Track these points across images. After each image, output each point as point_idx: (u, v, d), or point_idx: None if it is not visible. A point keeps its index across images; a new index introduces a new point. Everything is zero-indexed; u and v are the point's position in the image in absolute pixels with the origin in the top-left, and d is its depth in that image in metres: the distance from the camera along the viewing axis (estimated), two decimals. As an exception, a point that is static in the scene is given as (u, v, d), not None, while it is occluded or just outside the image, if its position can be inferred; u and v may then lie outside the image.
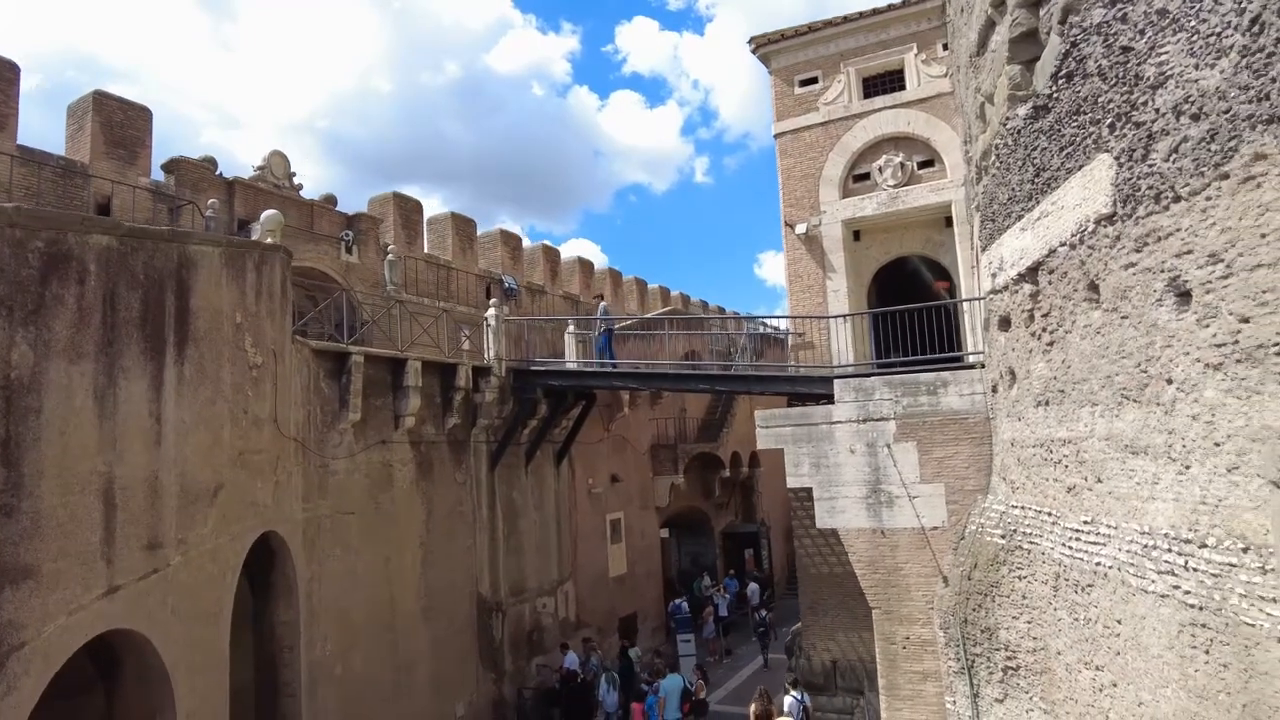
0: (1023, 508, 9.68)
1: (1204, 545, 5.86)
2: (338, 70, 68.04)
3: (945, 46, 14.56)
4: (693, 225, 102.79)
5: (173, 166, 13.69)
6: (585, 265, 25.09)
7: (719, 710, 16.38)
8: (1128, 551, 7.03)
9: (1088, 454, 7.78)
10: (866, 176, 15.67)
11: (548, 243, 23.28)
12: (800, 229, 15.69)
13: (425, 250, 19.13)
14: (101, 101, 12.54)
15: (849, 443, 12.18)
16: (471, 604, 14.73)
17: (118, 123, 12.77)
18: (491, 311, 15.61)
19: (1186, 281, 5.95)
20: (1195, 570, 5.96)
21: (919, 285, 16.15)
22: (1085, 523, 7.85)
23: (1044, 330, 8.72)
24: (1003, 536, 10.25)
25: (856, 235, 16.20)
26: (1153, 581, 6.65)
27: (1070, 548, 8.32)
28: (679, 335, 21.46)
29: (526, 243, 22.95)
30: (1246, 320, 5.37)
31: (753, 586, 23.32)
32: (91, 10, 64.73)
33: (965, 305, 13.53)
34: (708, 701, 14.41)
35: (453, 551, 14.37)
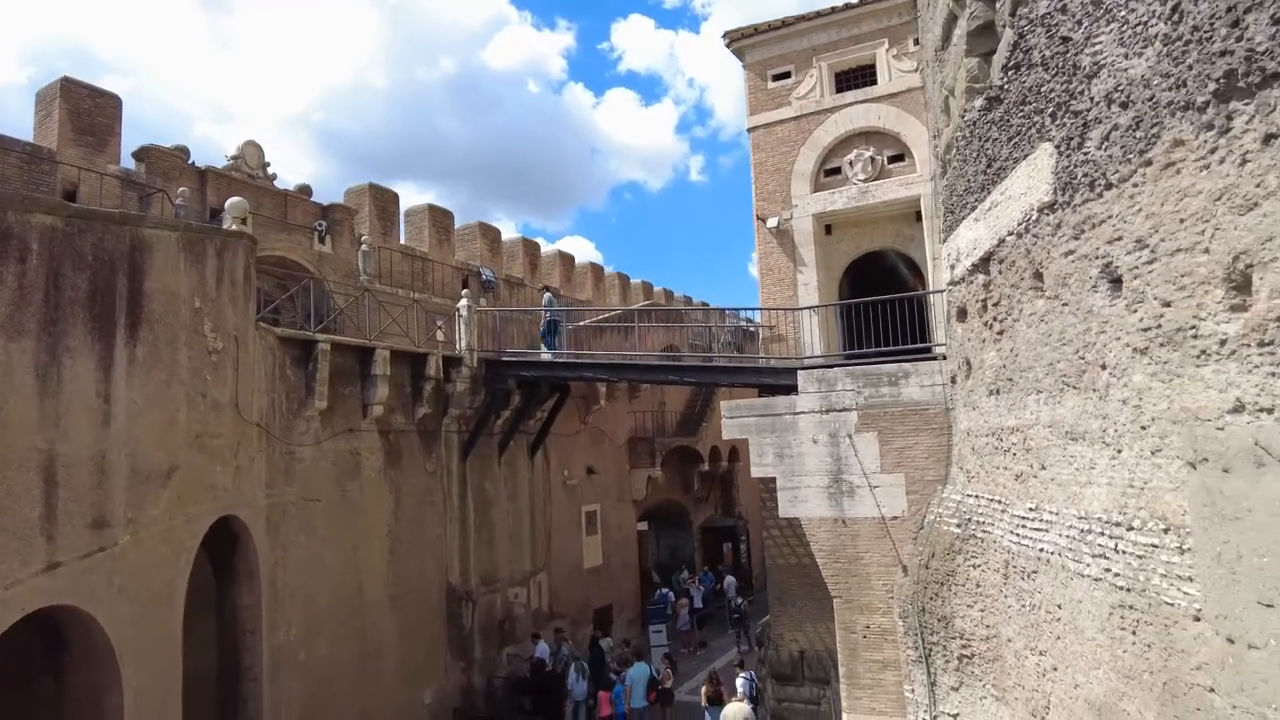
0: (976, 496, 9.79)
1: (1131, 528, 5.96)
2: (333, 65, 67.82)
3: (915, 41, 14.66)
4: (687, 223, 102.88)
5: (144, 154, 13.67)
6: (566, 259, 25.12)
7: (686, 700, 16.47)
8: (1067, 537, 7.13)
9: (1033, 441, 7.88)
10: (837, 171, 15.76)
11: (527, 236, 23.30)
12: (771, 223, 15.78)
13: (401, 241, 19.14)
14: (69, 88, 12.51)
15: (812, 433, 12.28)
16: (441, 593, 14.78)
17: (86, 110, 12.74)
18: (463, 302, 15.64)
19: (1117, 268, 6.05)
20: (1124, 553, 6.06)
21: (896, 281, 16.27)
22: (1031, 510, 7.95)
23: (995, 320, 8.81)
24: (958, 525, 10.36)
25: (828, 229, 16.29)
26: (1088, 565, 6.75)
27: (1017, 535, 8.43)
28: (658, 329, 21.53)
29: (507, 235, 22.99)
30: (1168, 304, 5.46)
31: (729, 579, 23.44)
32: (86, 3, 64.38)
33: (933, 298, 13.64)
34: (673, 691, 14.49)
35: (422, 540, 14.41)
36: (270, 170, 16.07)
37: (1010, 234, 8.03)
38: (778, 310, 14.68)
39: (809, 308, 14.07)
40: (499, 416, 16.69)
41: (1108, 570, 6.38)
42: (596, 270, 26.54)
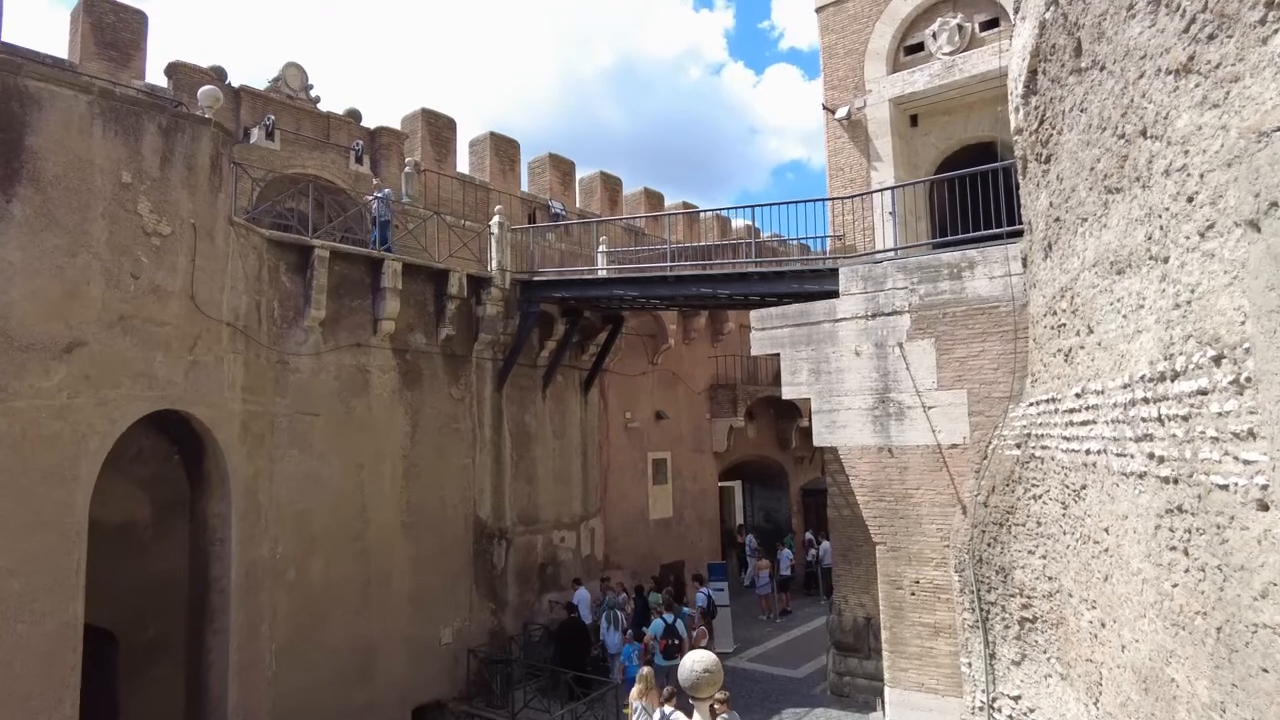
0: (1036, 403, 7.29)
1: (1176, 375, 3.66)
2: (501, 57, 69.22)
3: None
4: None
5: (173, 71, 13.63)
6: (653, 196, 23.49)
7: (746, 668, 14.61)
8: (1111, 421, 4.78)
9: (1080, 296, 5.46)
10: (919, 48, 13.10)
11: (607, 170, 21.91)
12: (841, 113, 13.40)
13: (463, 171, 18.39)
14: (92, 2, 12.58)
15: (854, 343, 10.04)
16: (468, 527, 13.86)
17: (109, 24, 12.78)
18: (496, 219, 14.54)
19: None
20: (1169, 420, 3.78)
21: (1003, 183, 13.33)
22: (1078, 397, 5.53)
23: (1042, 145, 6.35)
24: (1017, 446, 7.84)
25: (914, 121, 13.65)
26: (1131, 457, 4.43)
27: (1067, 438, 5.99)
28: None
29: (584, 172, 21.74)
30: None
31: (825, 545, 21.03)
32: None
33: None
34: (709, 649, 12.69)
35: (444, 469, 13.52)
36: (314, 93, 15.74)
37: (1050, 5, 5.61)
38: (844, 202, 12.31)
39: (876, 190, 11.66)
40: (543, 346, 15.52)
41: (1151, 457, 4.06)
42: (690, 213, 24.69)
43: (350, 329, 12.40)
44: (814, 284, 10.92)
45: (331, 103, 15.77)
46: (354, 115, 16.51)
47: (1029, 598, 7.67)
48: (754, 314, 10.95)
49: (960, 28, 12.47)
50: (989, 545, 8.36)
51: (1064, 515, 6.48)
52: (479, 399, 14.34)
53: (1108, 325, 4.90)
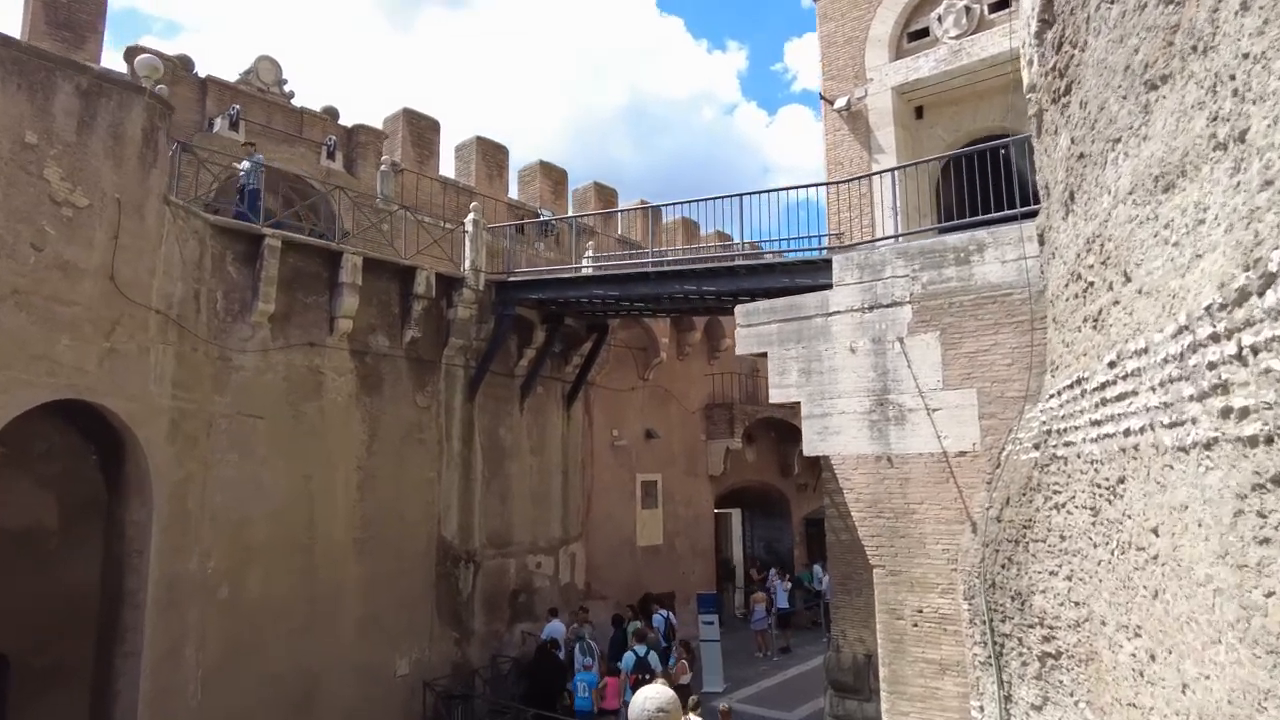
0: (1058, 393, 6.16)
1: (1264, 288, 2.57)
2: (516, 95, 69.37)
3: None
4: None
5: (133, 56, 12.92)
6: (653, 213, 22.58)
7: (739, 710, 13.23)
8: (1160, 385, 3.65)
9: (1113, 240, 4.38)
10: (925, 33, 12.18)
11: (601, 181, 21.09)
12: (840, 103, 12.44)
13: (449, 175, 17.58)
14: (45, -22, 11.94)
15: (849, 338, 8.95)
16: (431, 546, 12.71)
17: (64, 3, 12.12)
18: (471, 216, 13.64)
19: None
20: (1259, 352, 2.66)
21: (1015, 178, 12.32)
22: (1111, 366, 4.42)
23: (1060, 73, 5.32)
24: (1036, 447, 6.69)
25: (919, 113, 12.70)
26: (1193, 422, 3.29)
27: (1097, 425, 4.85)
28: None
29: (579, 183, 20.92)
30: None
31: (828, 578, 19.67)
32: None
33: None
34: (690, 688, 11.41)
35: (406, 482, 12.43)
36: (287, 89, 15.03)
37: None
38: (843, 197, 11.29)
39: (877, 172, 10.66)
40: (521, 355, 14.50)
41: (1227, 414, 2.93)
42: (690, 227, 23.79)
43: (304, 326, 11.43)
44: (806, 277, 9.87)
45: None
46: (330, 113, 15.77)
47: (1051, 628, 6.45)
48: (739, 309, 9.89)
49: (968, 9, 11.57)
50: (1003, 567, 7.15)
51: (1094, 524, 5.31)
52: (447, 408, 13.28)
53: (1151, 263, 3.82)
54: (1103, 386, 4.60)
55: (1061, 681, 6.45)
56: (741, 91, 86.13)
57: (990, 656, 7.42)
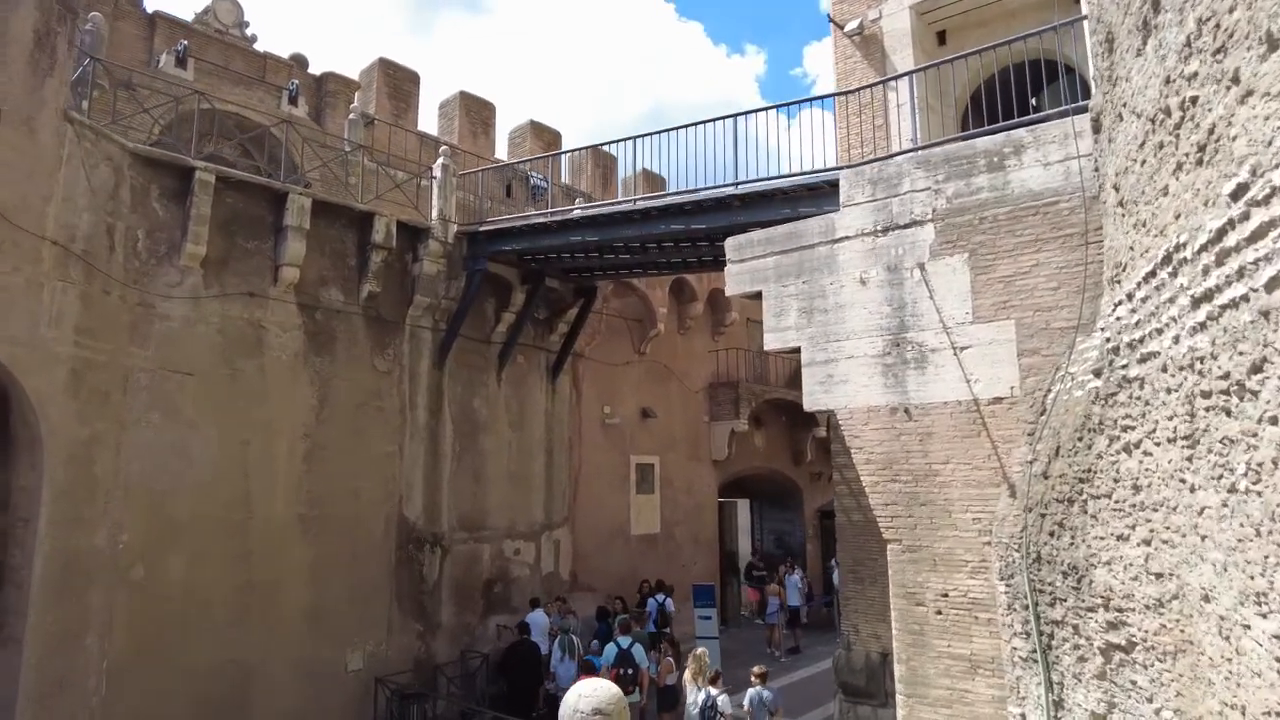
0: (1129, 295, 4.67)
1: None
2: (534, 101, 68.51)
3: None
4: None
5: (70, -15, 11.74)
6: (653, 180, 21.20)
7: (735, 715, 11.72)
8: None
9: (1234, 6, 2.90)
10: (951, -60, 10.67)
11: (603, 146, 19.70)
12: (852, 25, 10.98)
13: (431, 131, 16.28)
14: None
15: (859, 268, 7.48)
16: (390, 528, 11.36)
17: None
18: (440, 162, 12.31)
19: None
20: None
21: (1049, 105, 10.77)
22: (1235, 197, 2.95)
23: None
24: (1097, 374, 5.18)
25: (941, 39, 11.20)
26: None
27: (1208, 300, 3.37)
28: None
29: (570, 143, 19.57)
30: None
31: (837, 569, 18.10)
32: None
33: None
34: (677, 689, 9.96)
35: (361, 455, 11.10)
36: (250, 32, 13.82)
37: None
38: (854, 119, 9.81)
39: (892, 78, 9.20)
40: (498, 319, 13.14)
41: None
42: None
43: (243, 274, 10.15)
44: (811, 205, 8.40)
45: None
46: (299, 60, 14.54)
47: (1121, 611, 4.94)
48: (729, 241, 8.44)
49: (998, -90, 10.07)
50: (1052, 535, 5.64)
51: (1191, 458, 3.82)
52: (412, 374, 11.94)
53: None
54: (1219, 235, 3.11)
55: (1135, 682, 4.93)
56: (760, 96, 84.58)
57: (1035, 651, 5.91)
